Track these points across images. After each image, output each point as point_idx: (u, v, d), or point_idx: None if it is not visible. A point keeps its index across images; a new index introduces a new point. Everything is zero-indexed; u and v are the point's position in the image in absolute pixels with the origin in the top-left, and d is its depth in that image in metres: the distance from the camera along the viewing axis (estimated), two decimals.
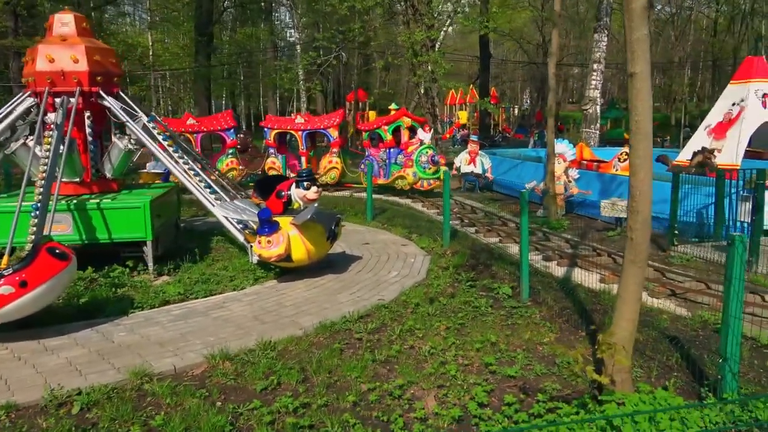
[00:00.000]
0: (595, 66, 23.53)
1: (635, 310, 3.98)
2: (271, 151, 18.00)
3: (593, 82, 23.54)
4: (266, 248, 7.21)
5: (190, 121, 17.90)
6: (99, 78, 8.41)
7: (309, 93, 25.72)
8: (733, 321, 4.22)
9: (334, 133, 17.53)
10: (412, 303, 6.95)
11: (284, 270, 8.25)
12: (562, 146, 13.31)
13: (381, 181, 16.63)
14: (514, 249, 9.89)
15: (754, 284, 7.58)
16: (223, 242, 10.14)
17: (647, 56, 3.52)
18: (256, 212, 7.65)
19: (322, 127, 17.79)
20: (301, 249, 7.51)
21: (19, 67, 18.26)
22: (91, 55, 8.28)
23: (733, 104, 16.65)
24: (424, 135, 15.92)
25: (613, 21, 51.53)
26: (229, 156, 17.88)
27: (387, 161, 16.64)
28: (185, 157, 8.57)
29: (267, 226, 7.22)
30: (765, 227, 10.04)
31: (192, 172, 8.43)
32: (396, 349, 5.58)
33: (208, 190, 8.37)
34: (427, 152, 15.70)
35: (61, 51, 8.16)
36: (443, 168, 15.61)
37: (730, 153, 15.82)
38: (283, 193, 10.63)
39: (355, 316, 6.42)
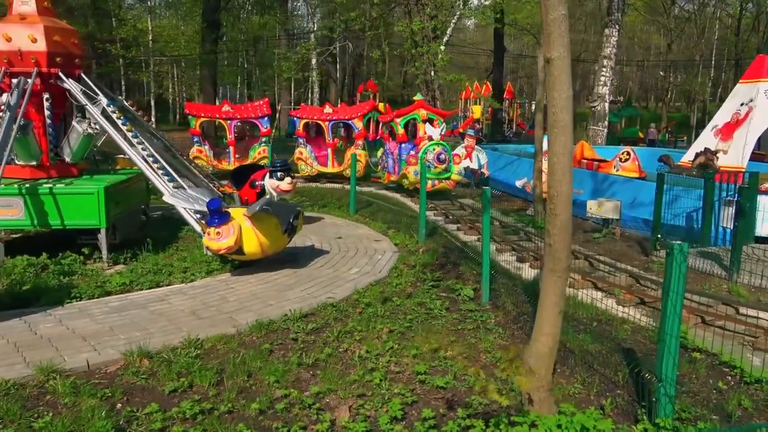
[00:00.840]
0: (605, 62, 22.91)
1: (555, 324, 3.60)
2: (301, 141, 17.56)
3: (602, 78, 22.92)
4: (215, 240, 6.90)
5: (226, 108, 17.65)
6: (58, 59, 8.15)
7: (307, 82, 25.22)
8: (669, 340, 3.83)
9: (358, 125, 16.83)
10: (363, 302, 6.61)
11: (242, 263, 7.96)
12: None
13: (394, 177, 15.51)
14: (491, 248, 9.49)
15: (732, 294, 7.12)
16: (193, 232, 9.86)
17: (565, 40, 3.12)
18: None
19: (347, 117, 17.23)
20: (253, 241, 7.19)
21: None
22: (50, 35, 8.03)
23: (742, 104, 16.03)
24: (433, 130, 14.28)
25: (625, 17, 50.62)
26: (263, 144, 17.48)
27: (399, 157, 15.10)
28: (144, 143, 8.29)
29: (217, 216, 6.91)
30: (757, 234, 9.58)
31: (151, 159, 8.15)
32: (328, 352, 5.25)
33: (166, 177, 8.09)
34: (434, 149, 13.91)
35: (19, 30, 7.91)
36: (456, 167, 14.47)
37: (736, 155, 15.24)
38: (257, 183, 10.38)
39: (297, 315, 6.09)
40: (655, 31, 56.61)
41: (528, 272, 8.17)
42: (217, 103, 21.08)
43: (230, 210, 7.24)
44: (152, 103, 22.86)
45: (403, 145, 15.07)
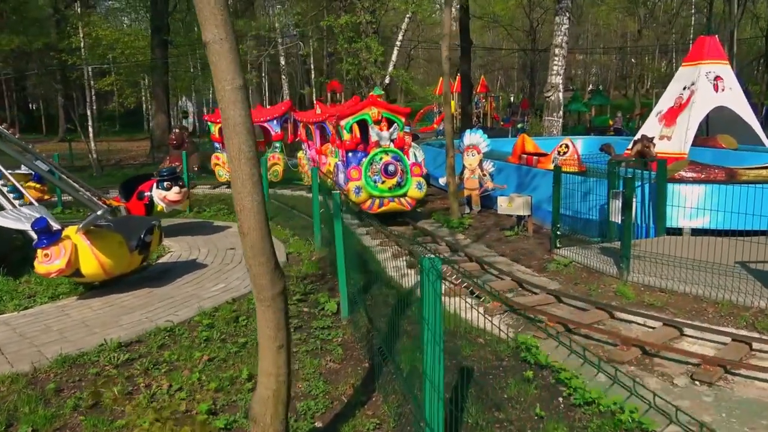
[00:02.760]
0: (556, 51, 22.32)
1: (276, 362, 2.98)
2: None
3: (555, 68, 22.33)
4: (43, 263, 6.24)
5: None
6: None
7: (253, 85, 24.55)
8: (434, 377, 3.20)
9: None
10: (204, 324, 6.00)
11: (103, 283, 7.32)
12: (476, 137, 12.24)
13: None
14: (387, 254, 8.92)
15: (617, 296, 6.53)
16: None
17: (221, 18, 2.50)
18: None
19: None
20: (91, 262, 6.53)
21: None
22: None
23: (684, 88, 15.46)
24: (380, 134, 10.80)
25: (598, 6, 49.73)
26: (275, 149, 16.21)
27: (345, 167, 11.43)
28: None
29: (44, 237, 6.25)
30: (674, 225, 9.04)
31: None
32: (118, 390, 4.63)
33: (11, 194, 7.47)
34: (380, 158, 10.65)
35: None
36: (417, 179, 10.94)
37: (679, 141, 14.69)
38: (144, 194, 9.75)
39: (113, 345, 5.46)
40: (630, 17, 56.10)
41: (413, 279, 7.56)
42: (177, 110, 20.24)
43: (65, 229, 6.59)
44: (89, 113, 21.97)
45: (350, 153, 11.58)
